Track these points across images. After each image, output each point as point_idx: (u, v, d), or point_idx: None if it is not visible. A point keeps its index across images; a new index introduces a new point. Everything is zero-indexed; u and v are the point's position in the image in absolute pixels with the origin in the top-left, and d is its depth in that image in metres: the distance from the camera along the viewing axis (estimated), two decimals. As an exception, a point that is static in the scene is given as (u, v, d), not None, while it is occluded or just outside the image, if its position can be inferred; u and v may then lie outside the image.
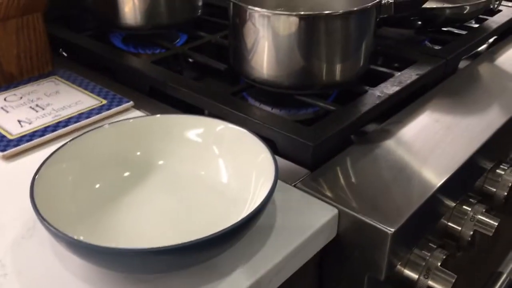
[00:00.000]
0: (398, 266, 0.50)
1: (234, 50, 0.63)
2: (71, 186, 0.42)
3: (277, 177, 0.40)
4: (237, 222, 0.35)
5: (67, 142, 0.44)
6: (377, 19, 0.60)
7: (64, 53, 0.79)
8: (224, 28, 0.76)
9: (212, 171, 0.47)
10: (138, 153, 0.48)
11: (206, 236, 0.34)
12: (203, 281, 0.38)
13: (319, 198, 0.47)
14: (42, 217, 0.35)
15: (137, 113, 0.61)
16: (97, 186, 0.45)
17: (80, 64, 0.73)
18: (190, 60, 0.76)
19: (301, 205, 0.46)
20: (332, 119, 0.54)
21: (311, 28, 0.56)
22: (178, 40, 0.80)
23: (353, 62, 0.60)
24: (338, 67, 0.59)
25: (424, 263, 0.50)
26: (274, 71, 0.59)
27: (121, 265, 0.36)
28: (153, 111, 0.61)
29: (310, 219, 0.45)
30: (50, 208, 0.37)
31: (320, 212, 0.45)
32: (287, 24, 0.56)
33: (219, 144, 0.47)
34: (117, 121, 0.48)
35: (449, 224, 0.57)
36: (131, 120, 0.48)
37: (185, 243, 0.37)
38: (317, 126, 0.53)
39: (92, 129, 0.47)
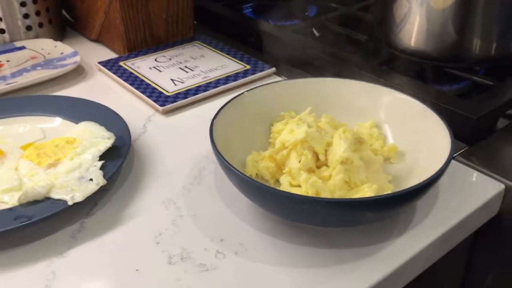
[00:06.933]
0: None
1: (381, 22, 0.62)
2: (238, 132, 0.44)
3: (453, 143, 0.39)
4: (420, 183, 0.35)
5: (242, 93, 0.46)
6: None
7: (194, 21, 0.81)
8: (357, 1, 0.75)
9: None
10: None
11: (393, 193, 0.34)
12: (373, 240, 0.39)
13: (482, 172, 0.45)
14: (223, 158, 0.37)
15: (278, 79, 0.62)
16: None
17: (214, 31, 0.74)
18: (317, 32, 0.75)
19: (463, 178, 0.45)
20: (492, 94, 0.52)
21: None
22: (307, 12, 0.80)
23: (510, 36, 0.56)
24: (494, 41, 0.56)
25: None
26: (424, 43, 0.57)
27: (290, 212, 0.37)
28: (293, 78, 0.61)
29: (473, 193, 0.43)
30: (223, 150, 0.38)
31: (482, 187, 0.43)
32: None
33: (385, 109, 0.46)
34: (280, 81, 0.49)
35: None
36: (300, 80, 0.49)
37: (362, 198, 0.37)
38: (476, 99, 0.51)
39: (263, 85, 0.48)
